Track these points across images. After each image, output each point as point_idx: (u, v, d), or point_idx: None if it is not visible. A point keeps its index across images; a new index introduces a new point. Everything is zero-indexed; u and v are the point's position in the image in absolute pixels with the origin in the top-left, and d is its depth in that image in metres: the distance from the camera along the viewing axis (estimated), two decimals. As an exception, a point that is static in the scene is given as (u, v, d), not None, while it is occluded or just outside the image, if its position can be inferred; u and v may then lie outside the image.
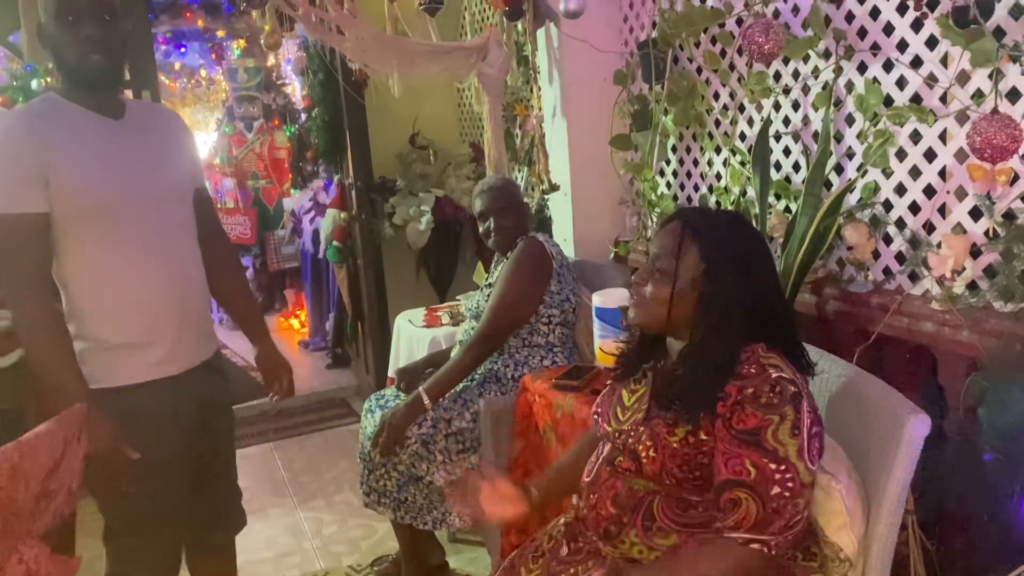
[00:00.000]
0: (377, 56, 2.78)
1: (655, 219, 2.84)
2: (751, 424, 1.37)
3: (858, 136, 2.07)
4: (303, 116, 5.63)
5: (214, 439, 2.04)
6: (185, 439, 1.92)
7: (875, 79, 2.00)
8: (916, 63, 1.90)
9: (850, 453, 1.58)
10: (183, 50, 7.03)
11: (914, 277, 1.97)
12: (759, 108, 2.41)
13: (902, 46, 1.93)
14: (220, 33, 6.44)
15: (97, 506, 1.91)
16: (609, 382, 1.75)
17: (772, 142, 2.33)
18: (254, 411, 4.62)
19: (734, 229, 1.54)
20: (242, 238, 6.18)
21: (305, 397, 4.76)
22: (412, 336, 3.26)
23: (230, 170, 6.26)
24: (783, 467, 1.35)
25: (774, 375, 1.39)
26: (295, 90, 6.21)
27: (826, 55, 2.13)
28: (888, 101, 1.98)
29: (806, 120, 2.25)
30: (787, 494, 1.34)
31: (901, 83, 1.95)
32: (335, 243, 4.31)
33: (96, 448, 1.70)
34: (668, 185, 2.90)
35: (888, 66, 1.97)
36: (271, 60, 6.31)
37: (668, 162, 2.86)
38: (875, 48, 1.99)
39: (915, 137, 1.93)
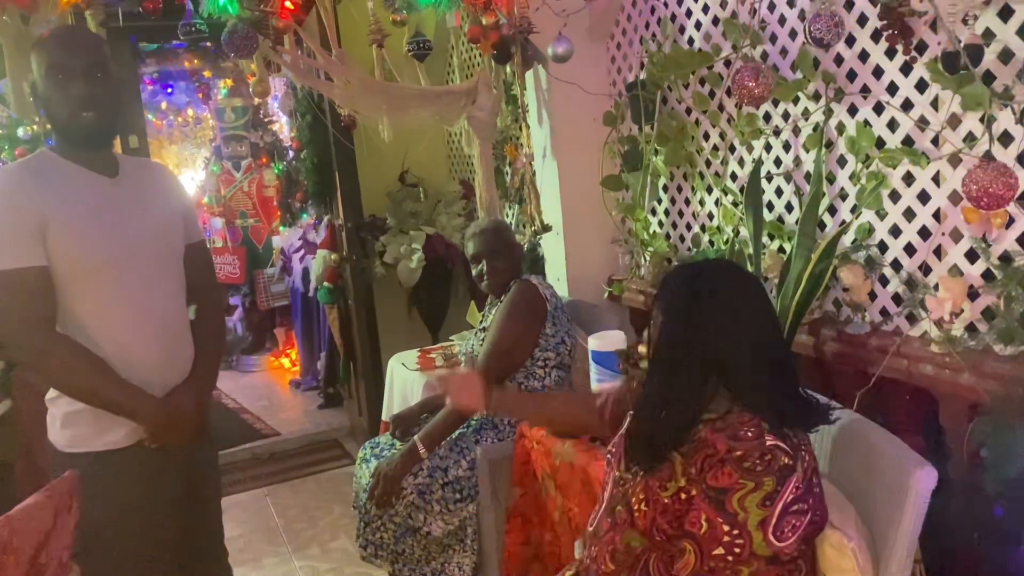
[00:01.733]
0: (366, 101, 2.78)
1: (648, 258, 2.83)
2: (723, 483, 1.36)
3: (851, 177, 2.08)
4: (291, 153, 5.62)
5: (201, 500, 2.01)
6: (173, 502, 1.89)
7: (866, 121, 2.00)
8: (907, 105, 1.90)
9: (855, 503, 1.55)
10: (170, 90, 7.02)
11: (912, 319, 1.96)
12: (750, 149, 2.41)
13: (892, 89, 1.93)
14: (207, 73, 6.43)
15: (80, 574, 1.84)
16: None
17: (764, 182, 2.33)
18: (246, 455, 4.56)
19: (688, 283, 1.51)
20: (231, 277, 6.13)
21: (297, 439, 4.71)
22: (406, 380, 3.22)
23: (218, 209, 6.21)
24: (736, 531, 1.34)
25: (769, 443, 1.37)
26: (283, 127, 6.19)
27: (816, 97, 2.14)
28: (880, 143, 1.98)
29: (797, 161, 2.25)
30: (729, 557, 1.34)
31: (892, 125, 1.96)
32: (326, 284, 4.28)
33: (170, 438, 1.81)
34: (660, 224, 2.89)
35: (879, 108, 1.98)
36: (258, 99, 6.29)
37: (660, 201, 2.86)
38: (865, 91, 2.00)
39: (908, 179, 1.93)
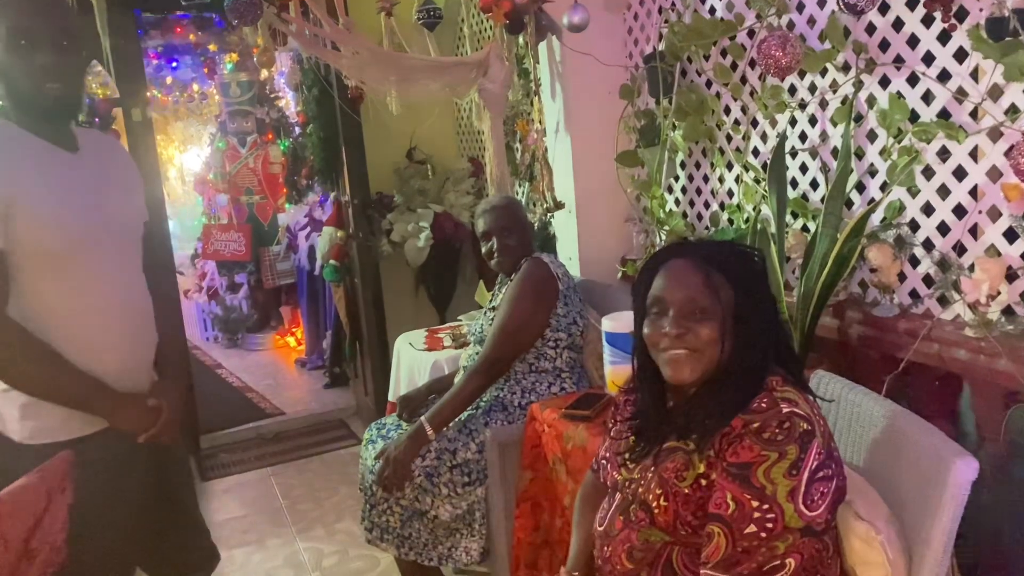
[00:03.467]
0: (374, 73, 2.68)
1: (664, 237, 2.74)
2: (744, 458, 1.29)
3: (881, 153, 1.98)
4: (297, 130, 5.53)
5: (169, 483, 1.94)
6: (137, 489, 1.82)
7: (899, 93, 1.90)
8: (944, 76, 1.80)
9: (885, 496, 1.47)
10: (174, 64, 6.93)
11: (944, 301, 1.87)
12: (773, 123, 2.31)
13: (928, 59, 1.83)
14: (212, 47, 6.34)
15: None
16: (612, 428, 1.64)
17: (788, 158, 2.23)
18: (251, 434, 4.52)
19: (740, 251, 1.50)
20: (236, 255, 6.08)
21: (302, 419, 4.66)
22: (413, 360, 3.15)
23: (224, 186, 6.16)
24: (766, 506, 1.26)
25: (785, 410, 1.30)
26: (289, 103, 6.11)
27: (845, 68, 2.04)
28: (913, 116, 1.88)
29: (824, 136, 2.15)
30: (763, 535, 1.26)
31: (927, 97, 1.86)
32: (332, 262, 4.21)
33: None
34: (677, 202, 2.80)
35: (913, 80, 1.88)
36: (264, 74, 6.21)
37: (676, 179, 2.76)
38: (899, 61, 1.90)
39: (943, 154, 1.84)
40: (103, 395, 1.71)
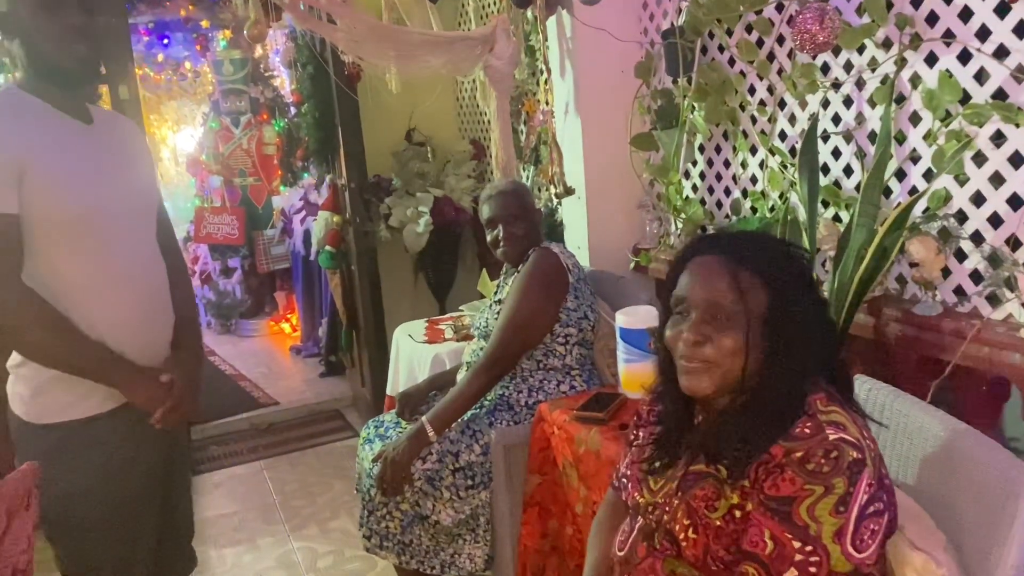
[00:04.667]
0: (372, 48, 2.51)
1: (680, 226, 2.58)
2: (785, 491, 1.13)
3: (925, 137, 1.82)
4: (292, 110, 5.35)
5: (175, 475, 1.89)
6: (147, 476, 1.77)
7: (948, 72, 1.74)
8: (1000, 53, 1.64)
9: (939, 521, 1.32)
10: (166, 41, 6.73)
11: (994, 300, 1.72)
12: (803, 104, 2.15)
13: (983, 34, 1.67)
14: (204, 23, 6.14)
15: (55, 555, 1.73)
16: (633, 442, 1.49)
17: (819, 143, 2.07)
18: (243, 424, 4.39)
19: (782, 248, 1.31)
20: (230, 238, 5.91)
21: (297, 409, 4.52)
22: (412, 353, 3.00)
23: (216, 167, 5.97)
24: (809, 547, 1.10)
25: (832, 437, 1.14)
26: (284, 83, 5.92)
27: (886, 45, 1.87)
28: (964, 98, 1.72)
29: (860, 118, 1.99)
30: None
31: (981, 76, 1.69)
32: (327, 248, 4.05)
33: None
34: (695, 188, 2.64)
35: (964, 57, 1.71)
36: (258, 51, 6.02)
37: (695, 163, 2.60)
38: (948, 36, 1.73)
39: (998, 139, 1.68)
40: (119, 366, 1.66)
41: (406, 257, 4.17)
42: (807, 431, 1.16)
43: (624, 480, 1.45)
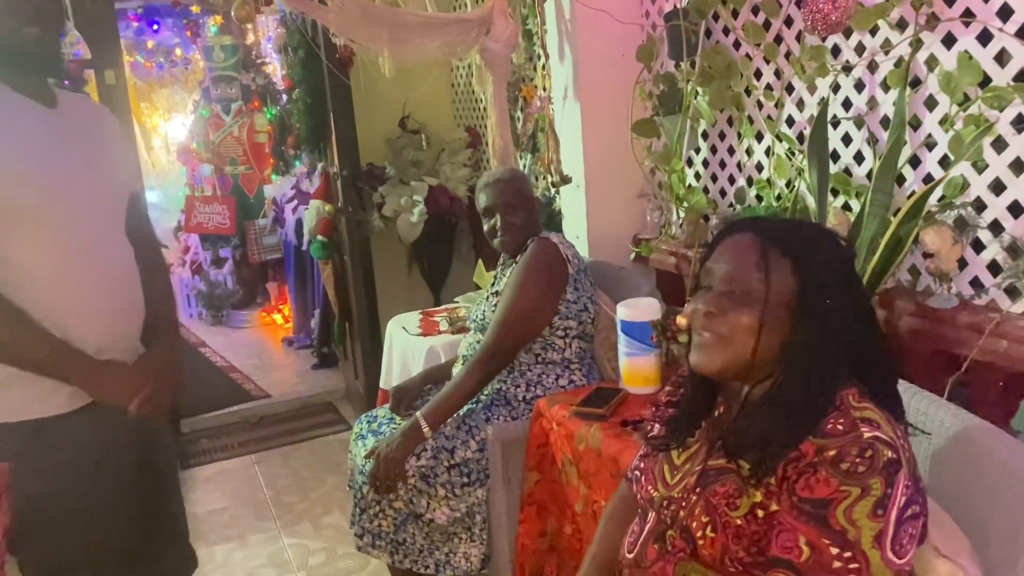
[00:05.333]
0: (365, 30, 2.42)
1: (683, 214, 2.51)
2: (820, 493, 1.06)
3: (941, 122, 1.74)
4: (284, 98, 5.26)
5: (154, 472, 1.78)
6: (121, 475, 1.67)
7: (967, 53, 1.66)
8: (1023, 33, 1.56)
9: (962, 525, 1.25)
10: (156, 27, 6.62)
11: (1013, 292, 1.64)
12: (812, 89, 2.07)
13: (1005, 13, 1.59)
14: (195, 8, 6.03)
15: (19, 564, 1.63)
16: (647, 431, 1.42)
17: (829, 128, 1.99)
18: (234, 418, 4.31)
19: (821, 235, 1.24)
20: (221, 228, 5.82)
21: (289, 401, 4.44)
22: (406, 345, 2.92)
23: (207, 156, 5.87)
24: (848, 554, 1.03)
25: (867, 435, 1.06)
26: (276, 69, 5.83)
27: (900, 25, 1.79)
28: (984, 81, 1.64)
29: (872, 103, 1.91)
30: None
31: (1002, 58, 1.62)
32: (319, 238, 3.96)
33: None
34: (697, 176, 2.56)
35: (985, 38, 1.64)
36: (250, 38, 5.92)
37: (698, 151, 2.52)
38: (968, 16, 1.65)
39: (1019, 123, 1.60)
40: (79, 362, 1.57)
41: (400, 247, 4.09)
42: (840, 427, 1.09)
43: (638, 473, 1.38)
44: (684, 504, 1.22)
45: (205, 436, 4.09)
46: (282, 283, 5.89)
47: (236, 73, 5.83)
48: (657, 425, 1.39)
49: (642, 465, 1.38)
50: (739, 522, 1.14)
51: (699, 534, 1.18)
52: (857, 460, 1.05)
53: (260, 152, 5.84)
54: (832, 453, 1.07)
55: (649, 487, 1.32)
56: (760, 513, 1.13)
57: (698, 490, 1.21)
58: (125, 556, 1.69)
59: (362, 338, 3.91)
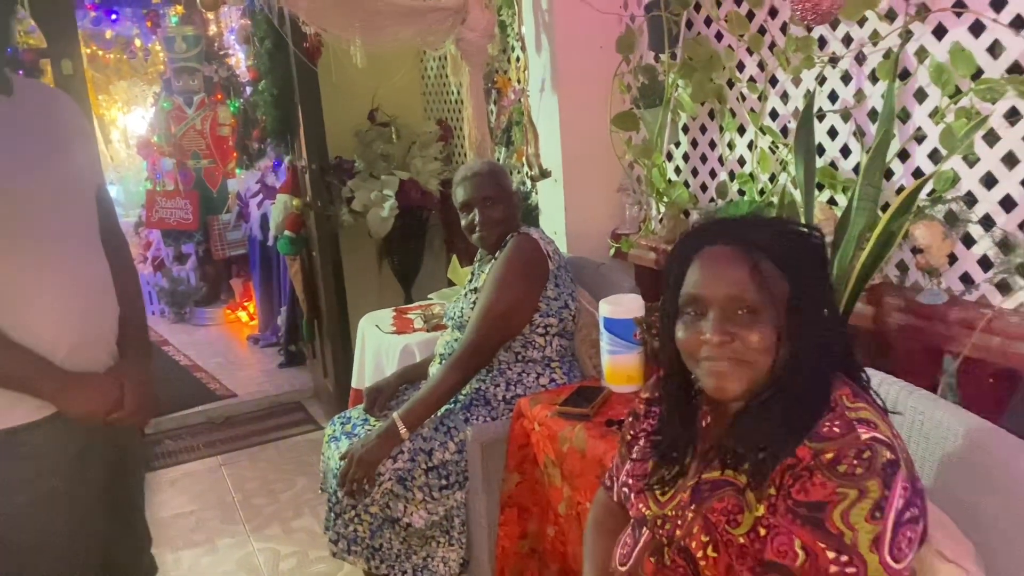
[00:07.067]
0: (337, 18, 2.34)
1: (663, 209, 2.46)
2: (816, 496, 1.02)
3: (931, 115, 1.72)
4: (248, 89, 5.15)
5: (123, 482, 1.71)
6: (91, 486, 1.59)
7: (960, 45, 1.63)
8: (1017, 24, 1.54)
9: (963, 527, 1.22)
10: (114, 17, 6.43)
11: (1004, 288, 1.62)
12: (796, 81, 2.03)
13: (998, 4, 1.57)
14: (155, -1, 5.87)
15: None
16: (632, 444, 1.36)
17: (815, 121, 1.96)
18: (199, 418, 4.19)
19: (797, 231, 1.18)
20: (183, 223, 5.68)
21: (256, 401, 4.33)
22: (380, 344, 2.85)
23: (169, 149, 5.73)
24: (845, 558, 0.99)
25: (865, 436, 1.03)
26: (239, 61, 5.70)
27: (890, 16, 1.76)
28: (976, 73, 1.62)
29: (860, 95, 1.89)
30: None
31: (995, 49, 1.59)
32: (287, 233, 3.86)
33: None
34: (678, 171, 2.52)
35: (977, 28, 1.61)
36: (212, 28, 5.77)
37: (678, 144, 2.48)
38: (960, 7, 1.63)
39: (1012, 116, 1.58)
40: (46, 374, 1.48)
41: (369, 243, 4.01)
42: (836, 430, 1.05)
43: (626, 491, 1.32)
44: (680, 523, 1.17)
45: (169, 437, 3.98)
46: (247, 280, 5.77)
47: (199, 64, 5.70)
48: (641, 437, 1.34)
49: (629, 482, 1.32)
50: (741, 540, 1.09)
51: (699, 554, 1.13)
52: (855, 462, 1.02)
53: (223, 146, 5.71)
54: (829, 456, 1.03)
55: (640, 505, 1.27)
56: (762, 531, 1.08)
57: (693, 507, 1.16)
58: (95, 566, 1.62)
59: (332, 336, 3.82)
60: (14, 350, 1.44)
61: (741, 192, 2.25)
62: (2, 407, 1.46)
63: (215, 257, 5.89)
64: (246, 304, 5.82)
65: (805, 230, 1.18)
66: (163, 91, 5.85)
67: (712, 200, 2.39)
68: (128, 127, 7.35)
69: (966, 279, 1.71)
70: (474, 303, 2.24)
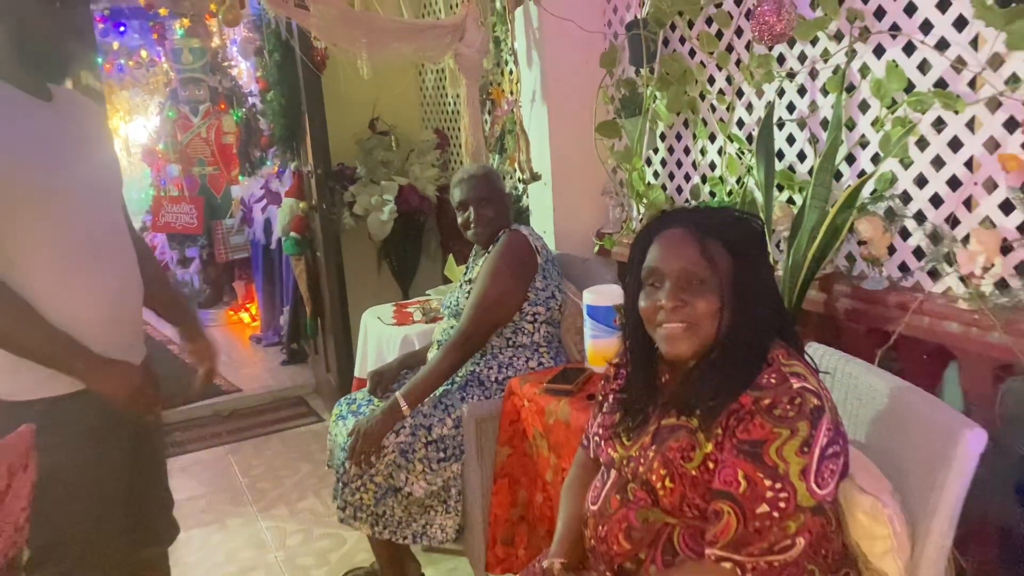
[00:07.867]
0: (344, 34, 2.57)
1: (643, 210, 2.70)
2: (756, 435, 1.25)
3: (873, 124, 1.95)
4: (250, 100, 5.36)
5: (149, 448, 1.90)
6: (123, 451, 1.77)
7: (894, 62, 1.87)
8: (942, 45, 1.77)
9: (885, 470, 1.45)
10: (122, 29, 6.64)
11: (934, 274, 1.85)
12: (759, 94, 2.27)
13: (926, 28, 1.80)
14: (162, 11, 6.08)
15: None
16: (602, 402, 1.59)
17: (775, 130, 2.19)
18: (207, 411, 4.39)
19: (738, 217, 1.43)
20: (188, 228, 5.88)
21: (260, 396, 4.54)
22: (381, 335, 3.07)
23: (175, 156, 5.94)
24: (778, 485, 1.22)
25: (796, 385, 1.26)
26: (242, 72, 5.91)
27: (838, 37, 2.00)
28: (908, 87, 1.85)
29: (813, 106, 2.12)
30: (775, 514, 1.22)
31: (924, 67, 1.83)
32: (293, 234, 4.07)
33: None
34: (656, 175, 2.75)
35: (909, 49, 1.85)
36: (216, 41, 5.99)
37: (656, 151, 2.71)
38: (895, 29, 1.86)
39: (938, 125, 1.81)
40: (76, 354, 1.63)
41: (369, 244, 4.22)
42: (772, 380, 1.28)
43: (596, 439, 1.54)
44: (643, 461, 1.39)
45: (178, 429, 4.17)
46: (249, 282, 5.96)
47: (204, 75, 5.90)
48: (610, 395, 1.56)
49: (600, 432, 1.54)
50: (694, 472, 1.32)
51: (659, 485, 1.35)
52: (788, 407, 1.24)
53: (227, 153, 5.91)
54: (767, 402, 1.26)
55: (608, 449, 1.49)
56: (711, 465, 1.31)
57: (654, 447, 1.38)
58: (124, 522, 1.78)
59: (334, 332, 4.03)
60: (44, 326, 1.59)
61: (712, 194, 2.48)
62: (44, 379, 1.63)
63: (218, 260, 6.08)
64: (248, 306, 6.02)
65: (747, 217, 1.42)
66: (169, 101, 6.05)
67: (687, 201, 2.62)
68: (129, 136, 7.54)
69: (904, 267, 1.94)
70: (469, 293, 2.46)
